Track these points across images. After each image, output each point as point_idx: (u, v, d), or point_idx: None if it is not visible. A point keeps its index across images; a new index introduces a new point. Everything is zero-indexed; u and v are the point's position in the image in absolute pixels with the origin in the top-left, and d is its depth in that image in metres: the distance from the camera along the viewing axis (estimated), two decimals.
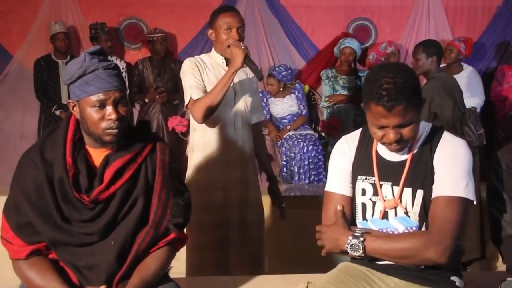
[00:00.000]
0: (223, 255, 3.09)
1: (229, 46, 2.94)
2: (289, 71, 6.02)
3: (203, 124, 3.00)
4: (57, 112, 5.74)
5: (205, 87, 2.97)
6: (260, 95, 5.94)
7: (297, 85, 6.01)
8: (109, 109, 1.91)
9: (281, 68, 5.97)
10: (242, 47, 2.88)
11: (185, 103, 2.99)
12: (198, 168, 3.08)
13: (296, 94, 5.95)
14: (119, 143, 1.99)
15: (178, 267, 3.18)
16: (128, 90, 5.14)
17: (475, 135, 3.97)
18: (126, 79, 5.95)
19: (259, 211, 3.20)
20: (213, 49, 3.10)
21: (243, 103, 3.09)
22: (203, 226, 3.06)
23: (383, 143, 2.02)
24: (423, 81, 4.33)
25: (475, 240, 3.97)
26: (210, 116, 2.93)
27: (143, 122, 2.20)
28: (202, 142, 3.07)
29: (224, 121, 3.04)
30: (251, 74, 3.12)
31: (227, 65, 3.01)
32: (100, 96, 1.89)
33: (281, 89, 5.93)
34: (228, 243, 3.09)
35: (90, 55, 1.91)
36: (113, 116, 1.90)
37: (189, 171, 3.13)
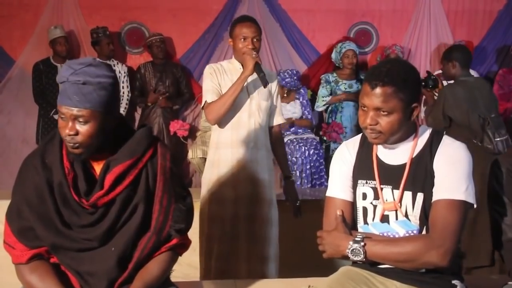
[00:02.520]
0: (232, 247, 3.26)
1: (243, 53, 3.19)
2: (294, 77, 6.03)
3: (221, 125, 3.27)
4: (56, 117, 5.71)
5: (221, 91, 3.23)
6: None
7: (301, 90, 6.00)
8: (67, 122, 1.90)
9: (285, 74, 5.99)
10: (253, 55, 3.12)
11: (202, 106, 3.26)
12: (212, 165, 3.34)
13: (301, 100, 5.95)
14: (94, 155, 1.98)
15: (179, 270, 3.19)
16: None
17: (493, 143, 3.94)
18: (127, 83, 5.98)
19: (269, 209, 3.32)
20: (233, 56, 3.36)
21: (256, 107, 3.29)
22: (213, 219, 3.29)
23: (364, 129, 2.05)
24: None
25: (485, 246, 3.92)
26: (222, 118, 3.21)
27: (144, 126, 2.20)
28: (217, 141, 3.33)
29: (238, 123, 3.26)
30: (272, 83, 3.35)
31: None
32: (61, 108, 1.89)
33: (285, 95, 5.92)
34: (237, 236, 3.26)
35: (68, 65, 1.90)
36: (66, 130, 1.90)
37: (205, 168, 3.39)
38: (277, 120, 3.45)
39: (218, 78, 3.25)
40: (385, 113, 1.98)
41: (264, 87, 3.15)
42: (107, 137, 1.96)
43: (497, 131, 3.96)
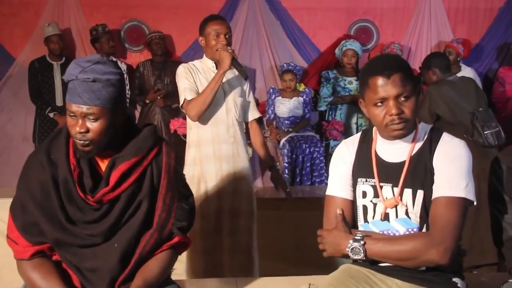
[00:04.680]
0: (217, 242, 3.31)
1: (217, 50, 3.24)
2: (300, 67, 6.14)
3: (198, 123, 3.30)
4: (51, 115, 5.70)
5: (197, 89, 3.27)
6: (271, 90, 5.98)
7: (306, 89, 6.04)
8: (78, 120, 1.92)
9: (293, 64, 6.06)
10: (229, 51, 3.18)
11: (180, 104, 3.28)
12: (193, 162, 3.35)
13: (304, 97, 5.96)
14: (100, 153, 1.99)
15: (181, 268, 3.21)
16: (120, 102, 5.11)
17: (483, 136, 3.97)
18: (127, 81, 5.97)
19: (250, 202, 3.40)
20: (204, 55, 3.41)
21: (233, 103, 3.35)
22: (197, 215, 3.20)
23: (386, 126, 2.02)
24: None
25: (491, 244, 3.91)
26: (203, 114, 3.23)
27: (149, 125, 2.20)
28: (196, 139, 3.35)
29: (216, 120, 3.30)
30: (244, 80, 3.42)
31: (217, 68, 3.29)
32: (71, 106, 1.91)
33: (297, 83, 5.99)
34: (221, 231, 3.32)
35: (76, 63, 1.91)
36: (77, 128, 1.91)
37: (186, 166, 3.38)
38: (253, 114, 3.52)
39: (194, 77, 3.30)
40: (405, 98, 1.99)
41: (246, 79, 3.27)
42: (115, 134, 1.99)
43: (486, 124, 3.99)
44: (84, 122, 1.91)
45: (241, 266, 3.31)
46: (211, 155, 3.31)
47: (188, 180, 3.29)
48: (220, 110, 3.31)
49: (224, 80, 3.28)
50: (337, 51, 6.18)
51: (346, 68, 6.06)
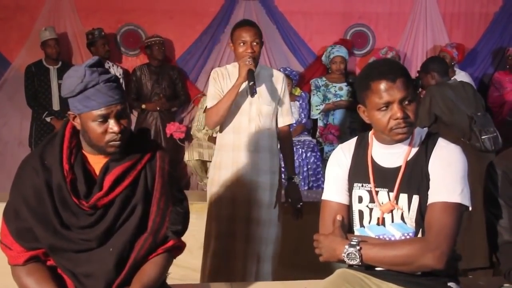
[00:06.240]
0: (228, 246, 3.30)
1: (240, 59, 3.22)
2: (297, 72, 6.15)
3: (223, 129, 3.34)
4: (48, 119, 5.67)
5: (222, 95, 3.25)
6: None
7: (303, 94, 6.04)
8: (111, 122, 1.92)
9: (289, 69, 6.06)
10: (247, 62, 3.13)
11: (203, 111, 3.32)
12: (214, 166, 3.43)
13: (301, 102, 5.97)
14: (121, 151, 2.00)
15: (177, 272, 3.20)
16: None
17: (480, 141, 3.98)
18: (123, 85, 5.95)
19: (268, 211, 3.34)
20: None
21: (257, 112, 3.32)
22: (212, 218, 3.35)
23: (390, 130, 2.02)
24: None
25: (482, 248, 3.90)
26: (218, 124, 3.30)
27: (142, 129, 2.21)
28: (219, 143, 3.41)
29: (239, 127, 3.31)
30: (277, 84, 3.38)
31: None
32: (103, 110, 1.90)
33: (293, 89, 5.99)
34: (233, 236, 3.30)
35: (90, 69, 1.90)
36: (116, 129, 1.91)
37: (210, 169, 3.53)
38: (285, 121, 3.45)
39: (221, 82, 3.29)
40: (408, 102, 1.99)
41: (251, 96, 3.14)
42: None
43: (484, 128, 4.01)
44: (118, 122, 1.93)
45: (253, 274, 3.29)
46: (230, 161, 3.33)
47: (210, 183, 3.39)
48: (242, 119, 3.30)
49: (258, 90, 3.21)
50: (324, 58, 6.17)
51: (334, 75, 6.06)
